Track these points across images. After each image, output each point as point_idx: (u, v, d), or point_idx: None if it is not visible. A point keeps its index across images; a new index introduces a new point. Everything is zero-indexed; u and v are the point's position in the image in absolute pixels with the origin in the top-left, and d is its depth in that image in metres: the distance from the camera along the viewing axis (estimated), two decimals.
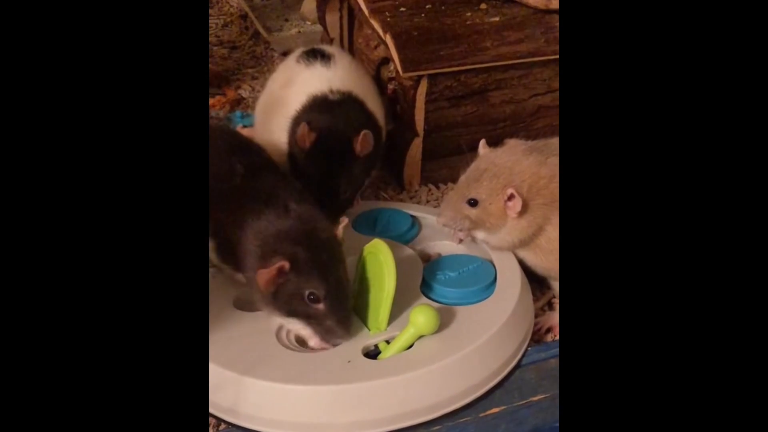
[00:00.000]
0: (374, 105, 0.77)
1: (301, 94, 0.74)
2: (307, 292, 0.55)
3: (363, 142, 0.69)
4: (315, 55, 0.78)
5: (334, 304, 0.56)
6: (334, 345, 0.57)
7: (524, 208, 0.63)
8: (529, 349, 0.62)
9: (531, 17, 0.82)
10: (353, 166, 0.70)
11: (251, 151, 0.67)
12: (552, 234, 0.63)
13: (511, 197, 0.62)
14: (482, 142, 0.68)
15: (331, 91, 0.74)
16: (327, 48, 0.80)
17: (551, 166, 0.63)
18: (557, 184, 0.63)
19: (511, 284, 0.63)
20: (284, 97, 0.76)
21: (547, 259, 0.65)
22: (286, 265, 0.55)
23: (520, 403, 0.57)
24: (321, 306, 0.56)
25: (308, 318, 0.57)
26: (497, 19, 0.81)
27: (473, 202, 0.64)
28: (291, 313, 0.57)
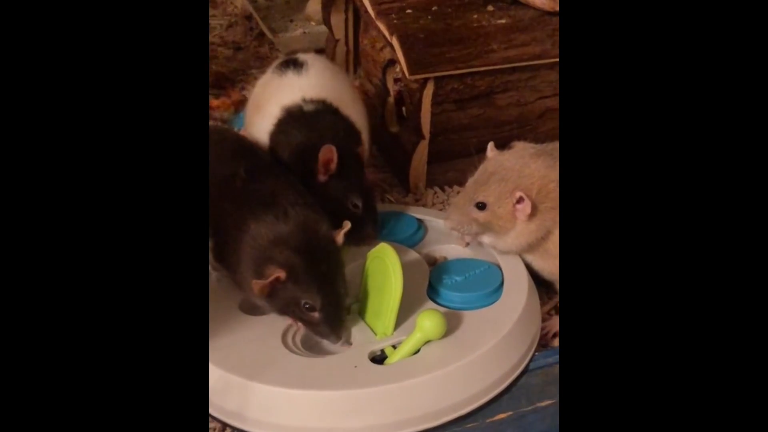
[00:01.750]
0: (352, 110, 0.74)
1: (274, 105, 0.72)
2: (303, 301, 0.56)
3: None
4: (288, 64, 0.75)
5: (329, 313, 0.57)
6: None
7: (533, 212, 0.62)
8: (536, 354, 0.62)
9: (538, 19, 0.82)
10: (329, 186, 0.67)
11: (254, 155, 0.67)
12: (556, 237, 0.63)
13: (520, 200, 0.62)
14: (491, 144, 0.68)
15: (305, 101, 0.71)
16: (301, 56, 0.78)
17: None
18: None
19: (518, 288, 0.63)
20: (261, 109, 0.74)
21: (554, 263, 0.64)
22: (282, 275, 0.55)
23: (527, 408, 0.57)
24: (316, 314, 0.57)
25: (304, 321, 0.58)
26: (504, 21, 0.81)
27: (481, 206, 0.64)
28: (285, 313, 0.58)
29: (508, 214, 0.63)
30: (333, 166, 0.66)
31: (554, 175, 0.63)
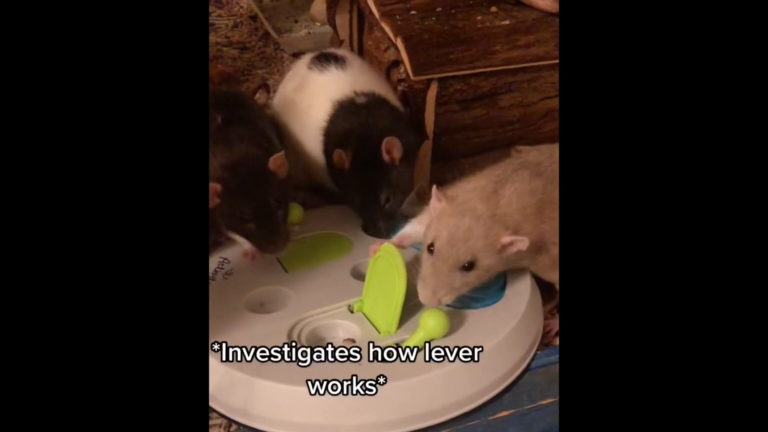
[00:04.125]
0: (395, 102, 0.77)
1: (324, 102, 0.74)
2: (238, 212, 0.64)
3: (389, 148, 0.69)
4: (327, 59, 0.77)
5: (262, 223, 0.64)
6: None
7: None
8: (538, 352, 0.62)
9: (541, 20, 0.82)
10: (391, 173, 0.70)
11: (232, 106, 0.73)
12: (554, 251, 0.62)
13: (510, 243, 0.58)
14: (434, 190, 0.61)
15: (356, 94, 0.73)
16: (336, 51, 0.80)
17: (534, 191, 0.61)
18: (545, 204, 0.60)
19: (520, 288, 0.64)
20: (304, 106, 0.76)
21: (553, 273, 0.64)
22: (218, 187, 0.63)
23: (529, 406, 0.58)
24: (251, 225, 0.64)
25: (244, 234, 0.65)
26: (507, 22, 0.82)
27: (469, 266, 0.57)
28: (231, 228, 0.66)
29: (496, 260, 0.58)
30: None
31: (530, 200, 0.60)
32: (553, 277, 0.65)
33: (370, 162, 0.69)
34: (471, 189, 0.61)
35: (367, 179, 0.69)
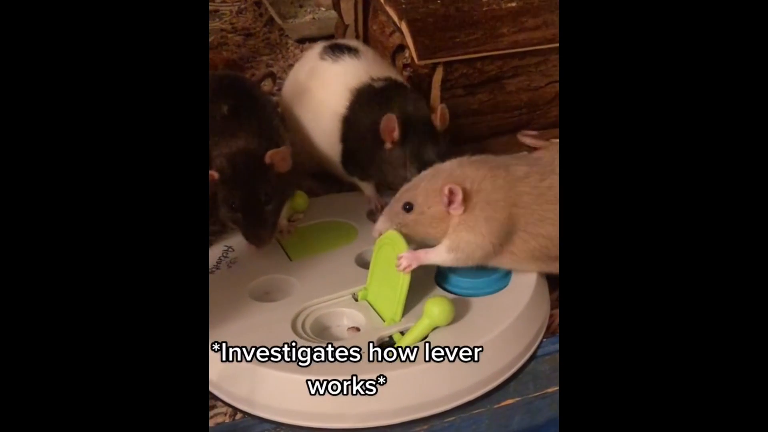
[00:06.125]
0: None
1: (341, 91, 0.73)
2: (230, 201, 0.65)
3: (443, 117, 0.69)
4: (340, 49, 0.76)
5: (248, 214, 0.65)
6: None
7: (467, 202, 0.57)
8: (544, 340, 0.62)
9: (548, 3, 0.81)
10: (440, 141, 0.69)
11: (238, 95, 0.73)
12: (532, 243, 0.59)
13: (451, 196, 0.57)
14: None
15: (373, 80, 0.73)
16: (348, 41, 0.79)
17: (512, 170, 0.59)
18: (520, 189, 0.58)
19: (526, 275, 0.63)
20: (318, 97, 0.75)
21: (524, 266, 0.62)
22: (215, 174, 0.64)
23: (535, 394, 0.57)
24: (239, 214, 0.65)
25: (233, 222, 0.66)
26: (514, 4, 0.80)
27: (408, 207, 0.59)
28: (224, 216, 0.66)
29: (440, 213, 0.58)
30: (395, 134, 0.68)
31: (491, 173, 0.59)
32: (532, 267, 0.62)
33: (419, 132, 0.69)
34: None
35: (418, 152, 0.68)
